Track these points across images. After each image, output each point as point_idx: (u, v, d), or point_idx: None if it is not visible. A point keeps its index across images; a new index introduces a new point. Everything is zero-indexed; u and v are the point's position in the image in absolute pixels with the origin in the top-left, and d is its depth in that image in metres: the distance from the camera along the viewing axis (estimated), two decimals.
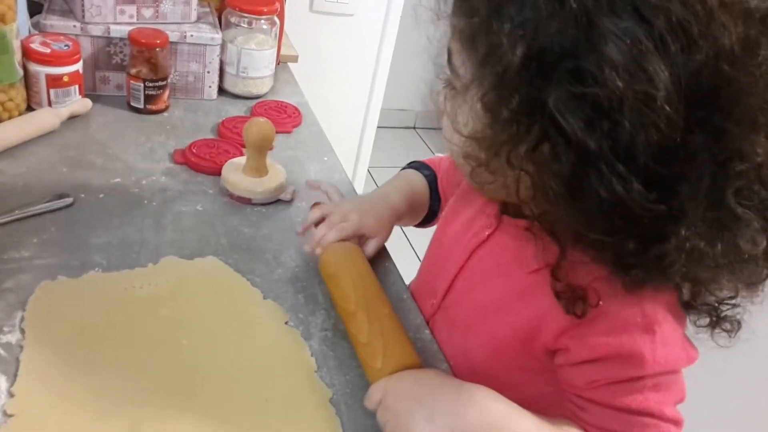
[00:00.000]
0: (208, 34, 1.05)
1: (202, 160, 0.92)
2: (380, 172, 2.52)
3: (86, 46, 0.99)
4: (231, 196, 0.87)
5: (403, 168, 0.90)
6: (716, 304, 0.55)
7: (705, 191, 0.46)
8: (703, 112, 0.44)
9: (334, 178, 0.98)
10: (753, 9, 0.45)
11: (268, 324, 0.69)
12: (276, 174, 0.89)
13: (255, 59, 1.09)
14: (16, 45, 0.88)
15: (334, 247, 0.73)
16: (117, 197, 0.83)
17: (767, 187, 0.47)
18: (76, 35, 0.97)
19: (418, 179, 0.88)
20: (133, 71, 0.99)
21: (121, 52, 1.02)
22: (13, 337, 0.61)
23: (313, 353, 0.66)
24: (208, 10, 1.12)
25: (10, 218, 0.74)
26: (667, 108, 0.43)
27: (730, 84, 0.44)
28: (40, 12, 1.00)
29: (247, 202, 0.86)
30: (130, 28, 0.99)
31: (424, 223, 0.90)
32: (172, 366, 0.62)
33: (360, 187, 1.99)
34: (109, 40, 1.00)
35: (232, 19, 1.10)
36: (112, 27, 0.99)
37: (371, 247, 0.78)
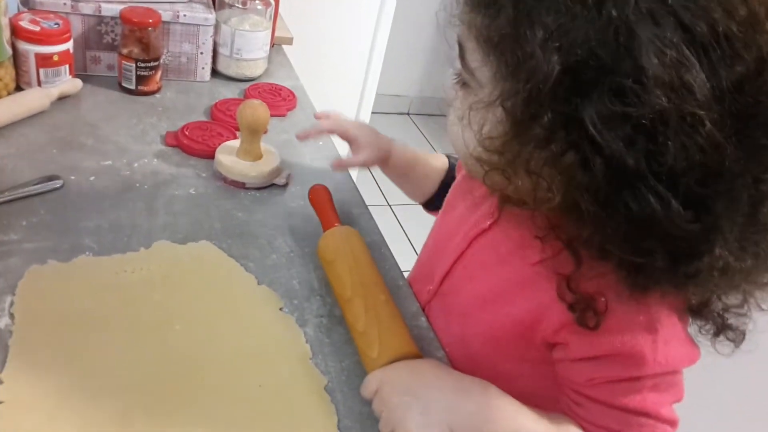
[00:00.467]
0: (201, 14, 1.03)
1: (195, 143, 0.90)
2: None
3: (77, 25, 0.97)
4: (224, 179, 0.85)
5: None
6: (722, 312, 0.54)
7: (742, 209, 0.45)
8: (743, 127, 0.43)
9: (328, 162, 0.96)
10: None
11: (262, 310, 0.68)
12: (270, 158, 0.87)
13: (249, 41, 1.08)
14: (5, 22, 0.86)
15: (333, 233, 0.72)
16: (108, 180, 0.81)
17: None
18: (67, 13, 0.95)
19: (437, 159, 0.88)
20: (125, 51, 0.97)
21: (112, 31, 1.00)
22: (1, 322, 0.59)
23: (307, 340, 0.65)
24: None
25: None
26: (711, 127, 0.42)
27: None
28: None
29: (240, 186, 0.85)
30: (121, 6, 0.97)
31: (430, 207, 0.89)
32: (164, 352, 0.61)
33: (353, 176, 1.97)
34: (100, 19, 0.98)
35: (227, 0, 1.08)
36: (104, 5, 0.97)
37: (359, 157, 0.82)
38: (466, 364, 0.62)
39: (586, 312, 0.53)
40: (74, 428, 0.52)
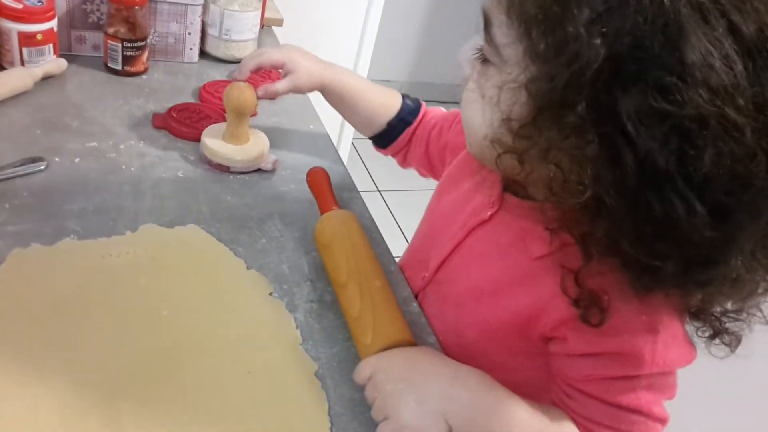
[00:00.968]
0: None
1: (182, 125, 0.88)
2: (364, 144, 2.49)
3: (61, 3, 0.95)
4: (209, 163, 0.84)
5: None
6: (720, 316, 0.53)
7: (762, 222, 0.44)
8: None
9: (318, 146, 0.95)
10: None
11: (251, 295, 0.66)
12: (258, 142, 0.86)
13: (238, 21, 1.05)
14: None
15: (329, 217, 0.71)
16: (93, 162, 0.80)
17: None
18: None
19: (387, 95, 0.86)
20: (111, 31, 0.95)
21: (98, 10, 0.97)
22: None
23: (298, 325, 0.64)
24: None
25: None
26: (750, 136, 0.40)
27: None
28: None
29: (225, 170, 0.83)
30: None
31: (379, 143, 0.89)
32: (151, 338, 0.59)
33: (344, 159, 1.96)
34: None
35: None
36: None
37: (285, 82, 0.80)
38: (459, 353, 0.61)
39: (590, 308, 0.52)
40: (58, 416, 0.51)
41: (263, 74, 1.07)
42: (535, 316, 0.58)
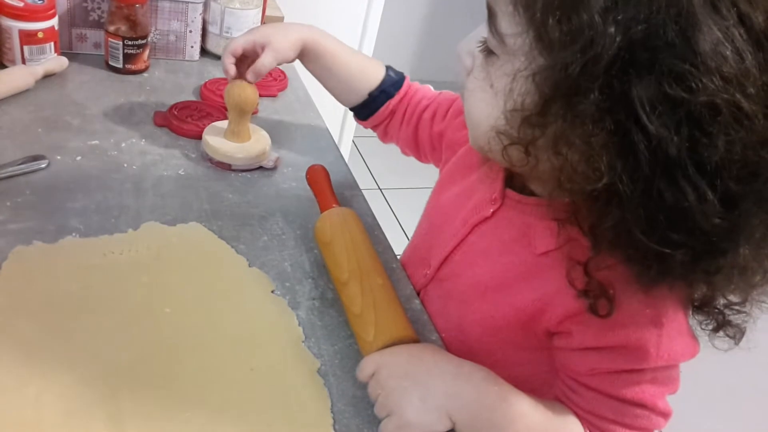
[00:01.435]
0: None
1: (183, 123, 0.88)
2: (365, 142, 2.49)
3: (62, 1, 0.95)
4: (211, 160, 0.84)
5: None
6: (723, 308, 0.53)
7: None
8: None
9: (320, 144, 0.95)
10: None
11: (253, 292, 0.66)
12: (259, 139, 0.86)
13: (239, 19, 1.05)
14: None
15: (329, 215, 0.71)
16: (95, 160, 0.80)
17: None
18: None
19: (370, 65, 0.84)
20: (112, 29, 0.95)
21: (99, 8, 0.97)
22: None
23: (300, 323, 0.64)
24: None
25: None
26: (760, 123, 0.41)
27: None
28: None
29: (227, 167, 0.83)
30: None
31: (359, 115, 0.86)
32: (153, 335, 0.59)
33: (345, 157, 1.96)
34: None
35: None
36: None
37: (266, 56, 0.77)
38: (462, 349, 0.61)
39: (599, 299, 0.52)
40: (60, 412, 0.51)
41: None
42: (539, 311, 0.58)
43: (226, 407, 0.55)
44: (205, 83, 0.99)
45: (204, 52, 1.09)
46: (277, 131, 0.92)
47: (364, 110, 0.85)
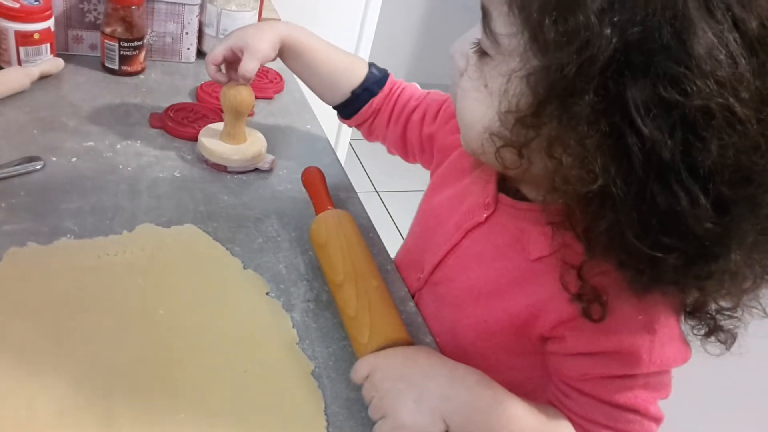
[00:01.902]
0: None
1: (179, 125, 0.88)
2: (361, 144, 2.49)
3: (58, 3, 0.94)
4: (206, 162, 0.84)
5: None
6: (715, 314, 0.53)
7: (761, 216, 0.44)
8: None
9: (316, 147, 0.95)
10: None
11: (248, 294, 0.66)
12: (255, 141, 0.86)
13: (235, 21, 1.05)
14: None
15: (324, 217, 0.71)
16: (90, 161, 0.80)
17: None
18: None
19: (353, 62, 0.83)
20: (108, 30, 0.95)
21: (95, 9, 0.97)
22: None
23: (294, 325, 0.64)
24: None
25: None
26: (753, 128, 0.41)
27: None
28: None
29: (222, 169, 0.83)
30: None
31: (343, 114, 0.86)
32: (148, 337, 0.59)
33: (341, 160, 1.97)
34: None
35: None
36: None
37: (246, 61, 0.76)
38: (456, 353, 0.61)
39: (592, 303, 0.52)
40: (54, 414, 0.51)
41: (260, 73, 1.07)
42: (533, 316, 0.58)
43: (220, 409, 0.55)
44: (201, 85, 0.99)
45: (200, 54, 1.09)
46: (272, 133, 0.92)
47: (347, 108, 0.84)
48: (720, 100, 0.40)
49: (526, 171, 0.51)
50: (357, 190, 0.87)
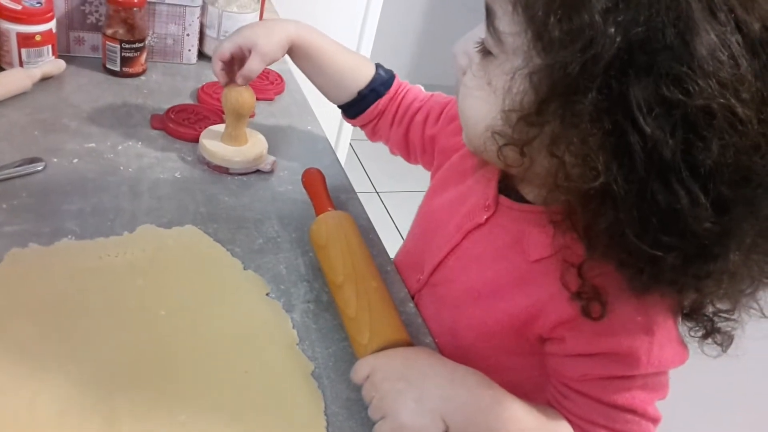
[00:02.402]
0: None
1: (180, 127, 0.88)
2: (362, 145, 2.50)
3: (60, 4, 0.95)
4: (208, 164, 0.84)
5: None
6: (712, 316, 0.54)
7: (760, 217, 0.44)
8: None
9: (317, 148, 0.95)
10: None
11: (248, 295, 0.67)
12: (256, 143, 0.86)
13: (236, 22, 1.06)
14: None
15: (324, 218, 0.71)
16: (91, 163, 0.80)
17: None
18: None
19: (360, 63, 0.83)
20: (109, 32, 0.95)
21: (96, 11, 0.98)
22: None
23: (294, 325, 0.64)
24: None
25: None
26: (754, 129, 0.41)
27: None
28: None
29: (224, 171, 0.84)
30: None
31: (348, 113, 0.86)
32: (149, 337, 0.60)
33: (341, 161, 1.97)
34: None
35: None
36: None
37: (252, 60, 0.76)
38: (455, 354, 0.61)
39: (592, 302, 0.52)
40: (55, 414, 0.51)
41: (261, 75, 1.07)
42: (532, 317, 0.58)
43: (220, 409, 0.55)
44: (203, 87, 0.99)
45: (201, 55, 1.10)
46: (273, 135, 0.92)
47: (352, 108, 0.85)
48: (721, 100, 0.41)
49: (527, 170, 0.51)
50: (357, 190, 0.87)
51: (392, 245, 0.81)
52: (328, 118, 1.90)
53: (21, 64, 0.90)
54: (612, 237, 0.47)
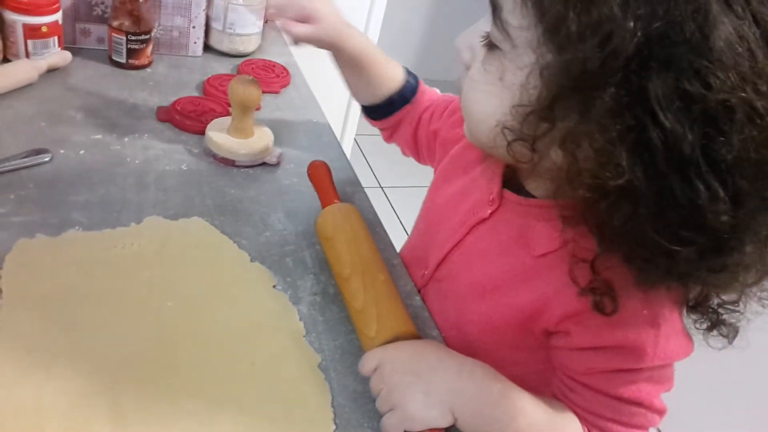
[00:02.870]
0: None
1: (186, 119, 0.88)
2: (367, 140, 2.49)
3: None
4: (214, 156, 0.84)
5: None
6: (717, 308, 0.53)
7: None
8: None
9: (323, 141, 0.95)
10: None
11: (255, 287, 0.67)
12: (262, 136, 0.86)
13: (242, 15, 1.06)
14: None
15: (331, 210, 0.71)
16: (98, 154, 0.80)
17: None
18: None
19: (393, 66, 0.83)
20: (115, 24, 0.95)
21: (102, 3, 0.97)
22: None
23: (301, 317, 0.64)
24: None
25: None
26: None
27: None
28: None
29: (230, 163, 0.84)
30: None
31: (373, 115, 0.86)
32: (155, 328, 0.59)
33: (347, 154, 1.96)
34: None
35: None
36: None
37: (306, 29, 0.75)
38: (461, 349, 0.61)
39: (604, 296, 0.51)
40: (62, 404, 0.51)
41: (267, 68, 1.07)
42: (538, 311, 0.58)
43: (227, 401, 0.55)
44: (208, 79, 0.99)
45: (207, 48, 1.09)
46: (279, 128, 0.92)
47: (378, 112, 0.84)
48: (741, 93, 0.41)
49: (537, 164, 0.51)
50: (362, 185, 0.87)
51: (397, 240, 0.81)
52: (333, 112, 1.91)
53: (27, 55, 0.90)
54: (627, 231, 0.46)
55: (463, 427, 0.55)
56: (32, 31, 0.89)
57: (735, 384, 1.34)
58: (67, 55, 0.94)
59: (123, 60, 0.97)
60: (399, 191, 2.37)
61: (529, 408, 0.56)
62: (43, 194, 0.71)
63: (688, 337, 0.56)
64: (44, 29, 0.90)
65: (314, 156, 0.86)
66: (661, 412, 0.57)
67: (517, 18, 0.49)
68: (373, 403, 0.57)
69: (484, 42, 0.54)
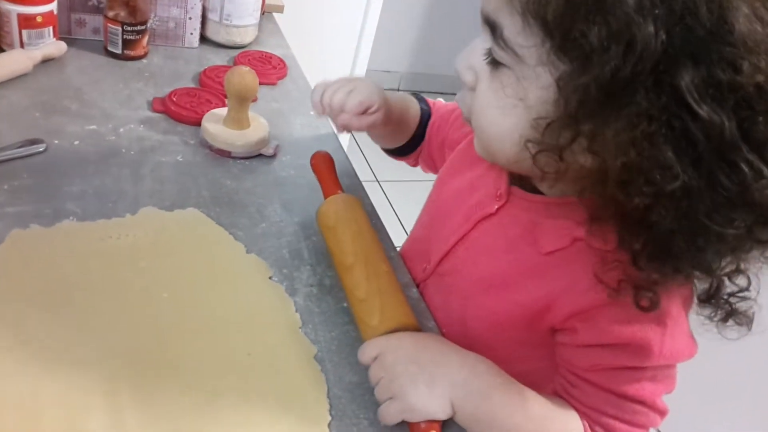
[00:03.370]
0: None
1: (182, 110, 0.88)
2: (364, 134, 2.48)
3: None
4: (210, 147, 0.84)
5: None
6: (729, 297, 0.52)
7: None
8: None
9: (319, 133, 0.95)
10: None
11: (251, 278, 0.66)
12: (258, 127, 0.86)
13: (239, 6, 1.05)
14: None
15: (334, 200, 0.71)
16: (93, 145, 0.79)
17: None
18: None
19: (413, 104, 0.83)
20: (111, 14, 0.94)
21: None
22: None
23: (297, 309, 0.64)
24: None
25: None
26: None
27: None
28: None
29: (226, 154, 0.83)
30: None
31: (401, 153, 0.86)
32: (151, 320, 0.59)
33: (344, 147, 1.95)
34: None
35: None
36: None
37: (368, 120, 0.72)
38: (463, 344, 0.61)
39: (644, 291, 0.50)
40: (58, 396, 0.51)
41: (264, 59, 1.06)
42: (544, 308, 0.58)
43: (223, 392, 0.55)
44: (205, 70, 0.98)
45: (203, 39, 1.09)
46: (276, 119, 0.92)
47: (404, 149, 0.85)
48: None
49: (564, 173, 0.49)
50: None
51: (393, 234, 0.80)
52: None
53: (22, 45, 0.90)
54: (678, 227, 0.46)
55: (462, 420, 0.55)
56: (27, 21, 0.88)
57: (735, 384, 1.34)
58: (62, 46, 0.93)
59: (119, 51, 0.97)
60: (396, 185, 2.36)
61: (529, 404, 0.56)
62: (38, 185, 0.71)
63: (693, 338, 0.56)
64: (39, 19, 0.89)
65: (311, 148, 0.86)
66: (662, 413, 0.57)
67: (521, 36, 0.48)
68: (369, 394, 0.57)
69: (488, 60, 0.52)
